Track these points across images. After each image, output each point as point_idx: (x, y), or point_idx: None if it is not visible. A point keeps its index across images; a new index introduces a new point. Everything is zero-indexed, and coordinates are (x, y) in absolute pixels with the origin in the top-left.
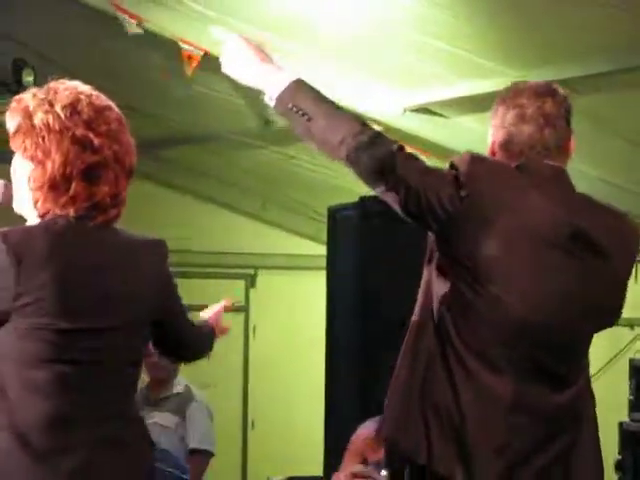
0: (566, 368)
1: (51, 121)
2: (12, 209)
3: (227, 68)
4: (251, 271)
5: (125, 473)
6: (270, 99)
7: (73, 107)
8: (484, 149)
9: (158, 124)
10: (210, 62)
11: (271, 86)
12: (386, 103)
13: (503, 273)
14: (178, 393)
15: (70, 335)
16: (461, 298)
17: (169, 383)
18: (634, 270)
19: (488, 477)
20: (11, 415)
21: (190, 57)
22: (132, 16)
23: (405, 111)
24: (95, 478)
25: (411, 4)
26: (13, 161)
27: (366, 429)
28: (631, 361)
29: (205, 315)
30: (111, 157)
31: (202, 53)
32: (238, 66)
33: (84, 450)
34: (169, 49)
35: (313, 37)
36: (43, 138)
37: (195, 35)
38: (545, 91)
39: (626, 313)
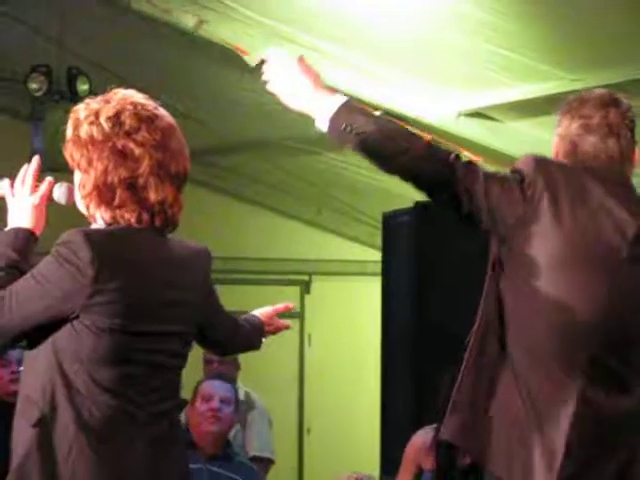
0: (629, 370)
1: (95, 133)
2: None
3: (273, 87)
4: (306, 277)
5: (170, 472)
6: (322, 122)
7: (117, 118)
8: (537, 153)
9: (213, 132)
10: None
11: (322, 110)
12: (441, 107)
13: (569, 275)
14: (239, 400)
15: (137, 337)
16: (525, 304)
17: None
18: None
19: None
20: (80, 410)
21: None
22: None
23: (459, 115)
24: (149, 473)
25: (467, 9)
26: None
27: (421, 437)
28: None
29: (256, 312)
30: (154, 165)
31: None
32: (288, 89)
33: (141, 446)
34: (225, 55)
35: (371, 43)
36: (87, 149)
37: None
38: (609, 101)
39: None
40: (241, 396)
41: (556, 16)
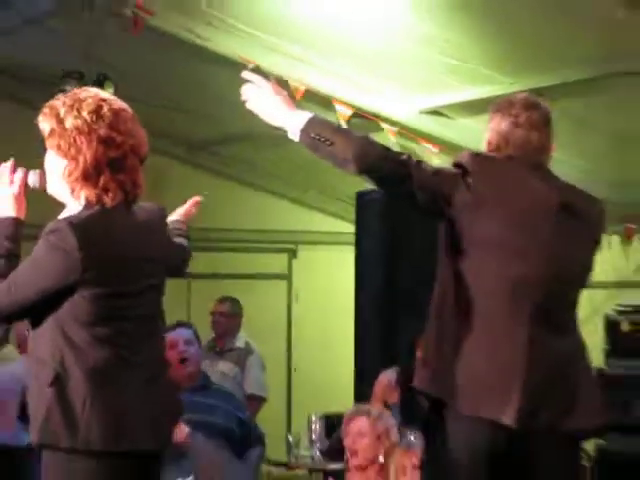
0: (566, 317)
1: (80, 124)
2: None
3: (252, 106)
4: (293, 246)
5: (165, 403)
6: (293, 133)
7: (97, 112)
8: (481, 144)
9: (218, 126)
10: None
11: (293, 123)
12: (405, 107)
13: (513, 241)
14: (240, 347)
15: (124, 298)
16: (476, 270)
17: (232, 337)
18: (607, 240)
19: (512, 414)
20: (86, 366)
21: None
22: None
23: (420, 113)
24: (148, 406)
25: (425, 27)
26: (46, 157)
27: (386, 376)
28: (606, 316)
29: (174, 216)
30: (129, 150)
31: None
32: (265, 108)
33: (139, 385)
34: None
35: (350, 55)
36: (74, 139)
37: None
38: (532, 104)
39: (601, 277)
40: (242, 344)
41: (496, 31)
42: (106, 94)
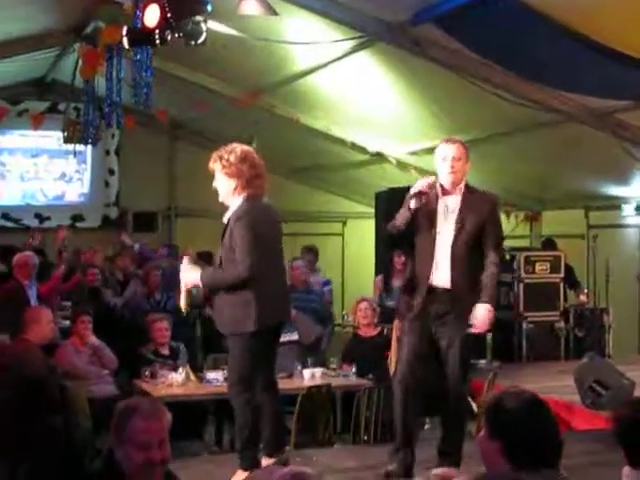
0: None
1: (234, 160)
2: None
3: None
4: (344, 219)
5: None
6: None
7: (243, 156)
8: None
9: (309, 158)
10: None
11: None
12: (398, 149)
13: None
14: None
15: (270, 259)
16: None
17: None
18: (505, 214)
19: (411, 332)
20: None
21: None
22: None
23: (411, 154)
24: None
25: (405, 110)
26: (217, 179)
27: (378, 279)
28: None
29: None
30: (261, 172)
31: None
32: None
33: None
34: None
35: (354, 113)
36: (235, 167)
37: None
38: (452, 142)
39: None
40: (323, 277)
41: (438, 109)
42: (246, 146)
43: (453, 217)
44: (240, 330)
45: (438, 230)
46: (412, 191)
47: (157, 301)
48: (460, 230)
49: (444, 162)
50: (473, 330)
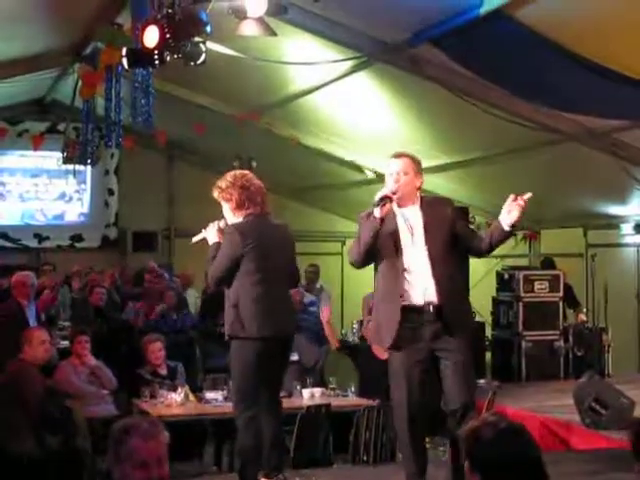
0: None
1: (224, 185)
2: None
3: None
4: (343, 238)
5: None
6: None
7: (232, 182)
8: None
9: (310, 179)
10: None
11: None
12: None
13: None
14: (317, 288)
15: (266, 269)
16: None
17: (314, 283)
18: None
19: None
20: (249, 295)
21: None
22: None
23: None
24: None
25: (404, 130)
26: (224, 206)
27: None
28: (497, 272)
29: None
30: (255, 192)
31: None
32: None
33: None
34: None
35: (352, 133)
36: (222, 192)
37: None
38: (397, 156)
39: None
40: (319, 286)
41: (437, 129)
42: (239, 171)
43: (420, 234)
44: (235, 334)
45: (406, 248)
46: (376, 198)
47: (174, 320)
48: (433, 243)
49: (390, 177)
50: (509, 222)
